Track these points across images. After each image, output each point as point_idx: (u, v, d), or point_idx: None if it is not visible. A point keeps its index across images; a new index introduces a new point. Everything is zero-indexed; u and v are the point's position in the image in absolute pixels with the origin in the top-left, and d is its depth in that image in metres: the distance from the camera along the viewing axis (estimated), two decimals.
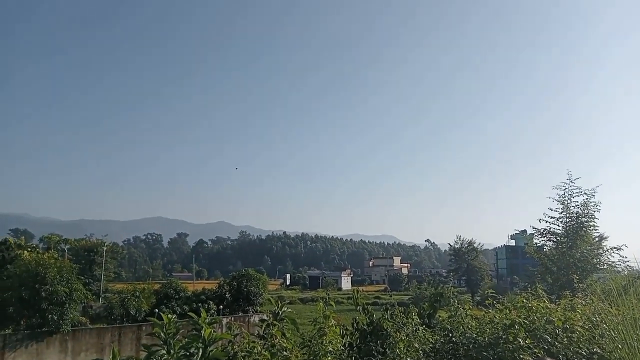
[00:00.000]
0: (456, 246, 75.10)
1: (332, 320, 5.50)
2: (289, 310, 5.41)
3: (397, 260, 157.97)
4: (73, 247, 56.92)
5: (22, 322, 29.01)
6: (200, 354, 5.25)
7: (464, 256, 73.38)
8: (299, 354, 4.61)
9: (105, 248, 57.89)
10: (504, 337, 5.00)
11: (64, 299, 28.19)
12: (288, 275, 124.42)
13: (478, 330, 5.58)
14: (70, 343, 29.16)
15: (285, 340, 4.88)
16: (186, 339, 5.56)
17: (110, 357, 5.53)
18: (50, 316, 27.70)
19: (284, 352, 4.55)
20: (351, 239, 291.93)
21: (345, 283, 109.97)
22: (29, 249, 38.52)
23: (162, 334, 5.68)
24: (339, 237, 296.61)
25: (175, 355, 5.35)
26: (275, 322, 5.32)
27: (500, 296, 7.72)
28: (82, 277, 34.44)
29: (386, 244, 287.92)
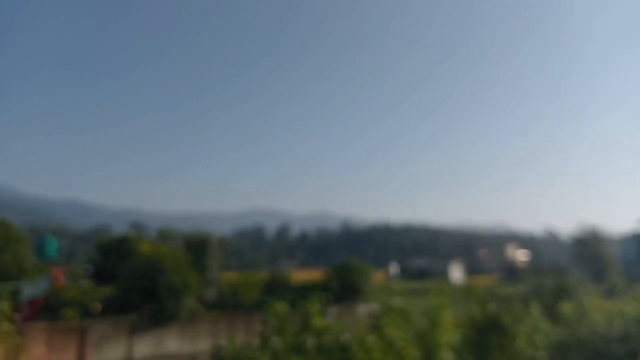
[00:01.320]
0: (578, 234, 70.02)
1: (446, 312, 5.22)
2: (398, 301, 5.18)
3: (511, 249, 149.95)
4: (185, 238, 60.86)
5: (144, 309, 31.59)
6: (312, 342, 5.24)
7: (587, 244, 68.07)
8: (412, 345, 4.38)
9: (214, 239, 61.25)
10: (636, 331, 4.39)
11: (180, 287, 30.26)
12: (394, 266, 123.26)
13: (606, 323, 4.97)
14: (188, 329, 31.25)
15: (397, 331, 4.67)
16: (297, 327, 5.59)
17: (226, 342, 5.72)
18: (169, 304, 29.92)
19: (397, 343, 4.35)
20: (460, 227, 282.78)
21: (456, 273, 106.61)
22: (147, 241, 41.71)
23: (273, 322, 5.78)
24: (447, 226, 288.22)
25: (287, 342, 5.41)
26: (385, 312, 5.11)
27: (631, 287, 6.89)
28: (195, 267, 36.66)
29: (499, 231, 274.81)
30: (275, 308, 5.26)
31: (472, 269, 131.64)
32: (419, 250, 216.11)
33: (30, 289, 32.49)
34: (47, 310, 29.15)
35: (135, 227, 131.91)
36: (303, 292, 40.31)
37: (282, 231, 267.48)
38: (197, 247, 58.73)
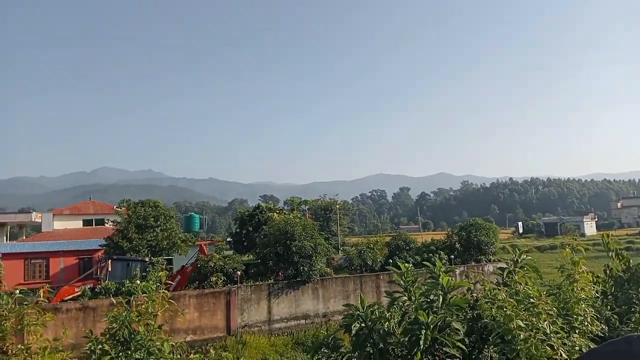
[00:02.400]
0: None
1: (582, 267, 4.91)
2: (529, 257, 4.99)
3: None
4: (311, 206, 63.18)
5: (279, 274, 33.71)
6: (440, 300, 5.25)
7: None
8: (547, 301, 4.21)
9: (338, 206, 62.79)
10: None
11: (310, 252, 31.79)
12: (520, 223, 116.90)
13: None
14: (320, 291, 32.88)
15: (530, 287, 4.52)
16: (425, 287, 5.64)
17: (357, 302, 5.98)
18: (301, 268, 31.63)
19: (530, 300, 4.21)
20: (592, 180, 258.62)
21: (589, 228, 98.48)
22: (277, 211, 43.99)
23: (401, 282, 5.87)
24: (576, 179, 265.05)
25: (416, 302, 5.48)
26: (516, 269, 4.96)
27: None
28: (322, 233, 38.11)
29: (637, 181, 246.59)
30: (402, 268, 5.33)
31: (607, 223, 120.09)
32: (547, 206, 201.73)
33: (181, 260, 36.35)
34: (195, 278, 32.47)
35: (267, 199, 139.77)
36: (427, 252, 40.02)
37: (403, 194, 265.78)
38: (321, 214, 60.99)
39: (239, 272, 31.82)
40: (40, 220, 57.13)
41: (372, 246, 39.68)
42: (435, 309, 5.02)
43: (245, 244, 41.53)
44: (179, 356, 3.81)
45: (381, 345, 5.19)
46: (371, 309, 5.49)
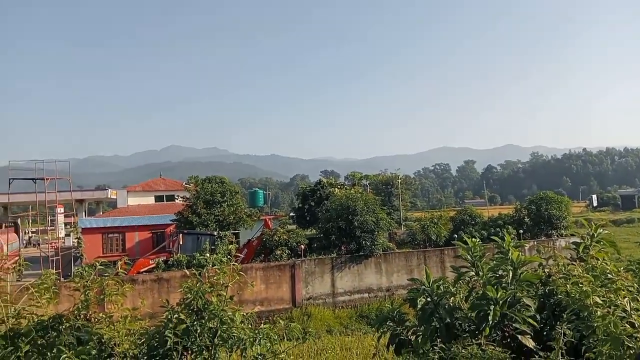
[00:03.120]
0: None
1: None
2: (605, 231, 4.72)
3: None
4: (372, 181, 62.90)
5: (342, 248, 34.03)
6: (510, 275, 5.10)
7: None
8: (627, 277, 3.97)
9: (399, 180, 62.15)
10: None
11: (372, 227, 31.78)
12: (594, 196, 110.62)
13: None
14: (383, 265, 32.93)
15: (607, 263, 4.29)
16: (493, 262, 5.48)
17: (421, 277, 5.93)
18: (364, 242, 31.75)
19: (608, 275, 3.99)
20: None
21: None
22: (339, 187, 44.18)
23: (468, 257, 5.74)
24: None
25: (484, 277, 5.35)
26: (592, 243, 4.73)
27: None
28: (384, 208, 37.91)
29: None
30: (468, 243, 5.20)
31: None
32: (624, 177, 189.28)
33: (247, 234, 37.49)
34: (261, 251, 33.43)
35: (328, 174, 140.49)
36: (494, 227, 38.88)
37: (468, 167, 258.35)
38: (383, 189, 60.64)
39: (302, 246, 32.41)
40: (115, 197, 60.60)
41: (436, 221, 39.10)
42: (504, 285, 4.88)
43: (307, 218, 42.12)
44: (249, 326, 3.95)
45: (448, 320, 5.14)
46: (437, 283, 5.43)
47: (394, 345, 5.63)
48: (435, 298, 5.32)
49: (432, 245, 37.46)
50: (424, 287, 5.45)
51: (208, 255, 4.25)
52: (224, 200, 36.59)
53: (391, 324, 5.70)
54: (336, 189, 41.87)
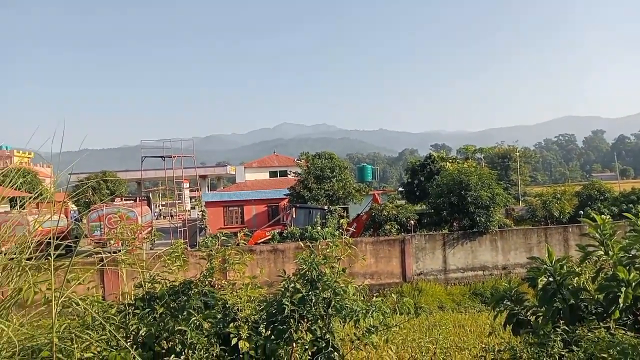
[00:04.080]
0: None
1: None
2: None
3: None
4: (487, 155, 60.09)
5: (454, 224, 33.09)
6: None
7: None
8: None
9: (517, 153, 58.70)
10: None
11: (487, 202, 30.43)
12: None
13: None
14: (499, 242, 31.51)
15: None
16: (625, 240, 5.00)
17: (541, 255, 5.59)
18: (478, 218, 30.55)
19: None
20: None
21: None
22: (450, 161, 42.81)
23: (597, 235, 5.29)
24: None
25: (614, 257, 4.91)
26: None
27: None
28: (500, 182, 36.09)
29: None
30: (597, 220, 4.80)
31: None
32: None
33: (356, 208, 37.96)
34: (370, 226, 33.68)
35: (438, 148, 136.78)
36: (627, 203, 35.31)
37: (596, 139, 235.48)
38: (499, 162, 57.69)
39: (412, 221, 32.09)
40: (234, 173, 64.51)
41: (559, 196, 36.51)
42: (637, 265, 4.46)
43: (417, 193, 41.54)
44: (362, 298, 4.03)
45: (572, 301, 4.82)
46: (560, 262, 5.09)
47: (511, 325, 5.43)
48: (558, 278, 5.02)
49: (555, 222, 35.10)
50: (545, 266, 5.15)
51: (319, 228, 4.39)
52: (334, 175, 37.26)
53: (509, 303, 5.50)
54: (447, 163, 40.64)
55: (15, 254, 3.71)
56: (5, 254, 3.68)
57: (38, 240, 3.84)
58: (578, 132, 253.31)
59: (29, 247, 3.77)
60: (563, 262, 5.15)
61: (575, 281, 5.14)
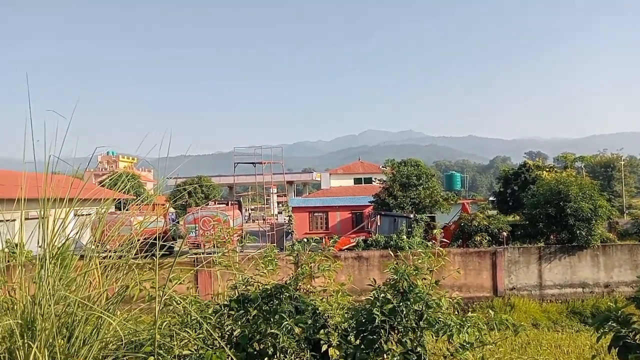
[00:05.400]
0: None
1: None
2: None
3: None
4: (588, 163, 56.03)
5: (551, 237, 31.05)
6: None
7: None
8: None
9: (622, 162, 54.22)
10: None
11: (589, 215, 28.21)
12: None
13: None
14: (601, 258, 29.09)
15: None
16: None
17: None
18: (578, 232, 28.41)
19: None
20: None
21: None
22: (547, 169, 40.38)
23: None
24: None
25: None
26: None
27: None
28: (603, 194, 33.40)
29: None
30: None
31: None
32: None
33: (443, 218, 36.91)
34: (459, 236, 32.55)
35: (533, 155, 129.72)
36: None
37: None
38: (601, 172, 53.55)
39: (504, 233, 30.60)
40: (319, 179, 65.45)
41: None
42: None
43: (510, 203, 39.70)
44: (456, 312, 3.88)
45: None
46: None
47: (617, 349, 4.97)
48: None
49: None
50: None
51: (404, 237, 4.28)
52: (420, 183, 36.54)
53: (614, 324, 5.04)
54: (544, 171, 38.39)
55: (122, 252, 3.99)
56: (114, 253, 3.96)
57: (142, 241, 4.10)
58: None
59: (135, 246, 4.03)
60: None
61: None
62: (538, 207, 30.34)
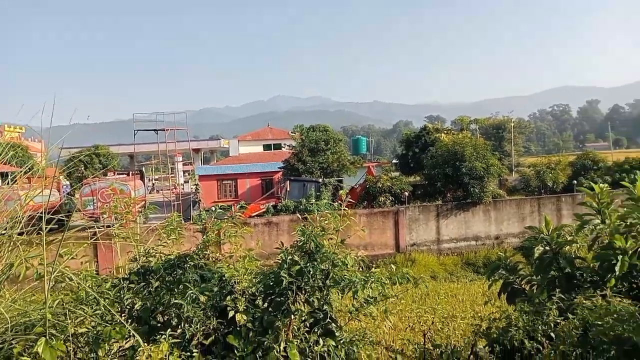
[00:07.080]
0: None
1: None
2: None
3: None
4: (482, 126, 59.95)
5: (448, 195, 33.20)
6: None
7: None
8: None
9: (512, 124, 58.63)
10: None
11: (482, 173, 30.49)
12: None
13: None
14: (492, 213, 31.72)
15: None
16: (623, 209, 4.99)
17: (538, 225, 5.61)
18: (472, 189, 30.64)
19: None
20: None
21: None
22: (445, 132, 42.67)
23: (593, 204, 5.28)
24: None
25: (611, 225, 4.91)
26: None
27: None
28: (495, 153, 36.10)
29: None
30: (595, 189, 4.77)
31: None
32: None
33: (350, 181, 37.96)
34: (364, 198, 33.74)
35: (433, 119, 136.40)
36: (620, 172, 35.51)
37: (591, 108, 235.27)
38: (493, 133, 57.61)
39: (406, 193, 32.16)
40: (227, 146, 64.16)
41: (553, 166, 36.66)
42: (634, 234, 4.46)
43: (411, 165, 41.54)
44: (360, 269, 4.01)
45: (568, 270, 4.84)
46: (557, 231, 5.09)
47: (506, 294, 5.46)
48: (555, 247, 5.02)
49: (548, 192, 35.32)
50: (542, 235, 5.15)
51: (314, 201, 4.33)
52: (328, 148, 37.11)
53: (503, 272, 5.52)
54: (442, 134, 40.51)
55: (6, 229, 3.64)
56: None
57: (29, 215, 3.76)
58: (573, 103, 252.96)
59: (20, 221, 3.69)
60: (560, 230, 5.16)
61: (572, 250, 5.16)
62: (436, 168, 32.16)
